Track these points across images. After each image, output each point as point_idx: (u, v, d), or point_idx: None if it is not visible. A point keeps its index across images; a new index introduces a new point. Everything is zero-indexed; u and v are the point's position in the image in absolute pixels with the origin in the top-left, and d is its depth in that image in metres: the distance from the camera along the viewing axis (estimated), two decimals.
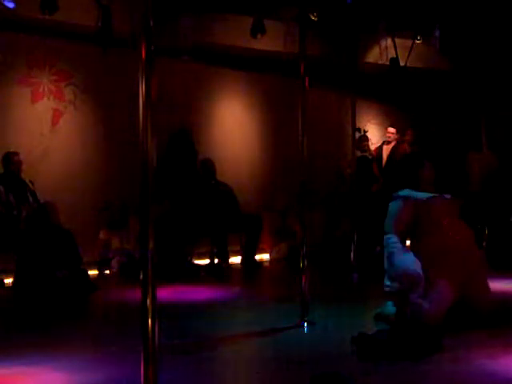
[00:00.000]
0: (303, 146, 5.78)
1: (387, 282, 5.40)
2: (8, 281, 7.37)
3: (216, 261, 9.39)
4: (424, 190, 5.62)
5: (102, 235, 8.89)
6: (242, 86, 11.07)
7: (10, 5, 7.35)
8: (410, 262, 5.29)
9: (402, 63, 9.79)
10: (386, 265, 5.43)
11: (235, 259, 9.67)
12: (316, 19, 8.85)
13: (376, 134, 11.90)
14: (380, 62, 10.21)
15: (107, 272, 8.73)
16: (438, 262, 5.33)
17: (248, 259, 9.51)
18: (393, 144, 10.48)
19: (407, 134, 10.61)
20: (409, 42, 10.04)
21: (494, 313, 5.48)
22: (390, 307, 5.63)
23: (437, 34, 9.64)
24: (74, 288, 7.05)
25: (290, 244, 9.88)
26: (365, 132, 10.58)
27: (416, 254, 5.38)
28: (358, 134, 10.20)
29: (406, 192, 5.59)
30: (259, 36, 9.23)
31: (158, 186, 3.53)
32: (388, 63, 9.99)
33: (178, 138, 9.70)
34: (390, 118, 12.18)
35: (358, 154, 9.77)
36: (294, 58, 6.06)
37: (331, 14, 9.21)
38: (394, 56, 9.84)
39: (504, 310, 5.89)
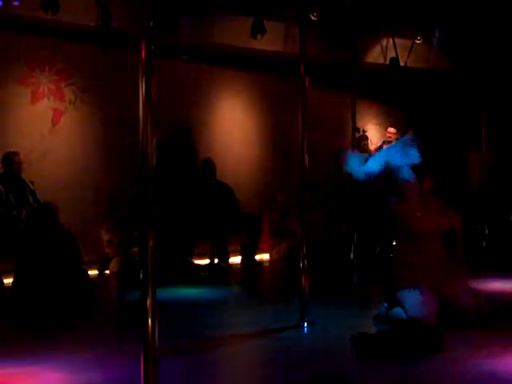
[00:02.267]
0: (303, 145, 5.78)
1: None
2: (8, 281, 7.37)
3: (216, 261, 9.39)
4: (424, 199, 5.72)
5: (104, 236, 8.89)
6: (242, 86, 11.07)
7: None
8: None
9: (402, 63, 9.80)
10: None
11: (235, 259, 9.67)
12: (316, 19, 8.85)
13: (376, 134, 11.90)
14: (380, 62, 10.22)
15: (107, 272, 8.73)
16: (415, 270, 5.44)
17: (248, 259, 9.50)
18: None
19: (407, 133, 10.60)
20: (409, 42, 10.04)
21: (484, 313, 5.49)
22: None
23: (437, 33, 9.64)
24: (74, 288, 7.05)
25: (289, 244, 9.87)
26: (364, 132, 10.58)
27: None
28: (357, 134, 10.21)
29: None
30: (259, 36, 9.22)
31: (157, 186, 3.53)
32: (388, 63, 9.99)
33: (179, 137, 9.69)
34: (389, 118, 12.18)
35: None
36: (293, 58, 6.06)
37: (331, 14, 9.21)
38: (394, 56, 9.84)
39: (504, 310, 5.90)
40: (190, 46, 9.34)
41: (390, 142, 10.54)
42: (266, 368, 4.64)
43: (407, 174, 5.72)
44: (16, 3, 7.68)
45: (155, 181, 3.49)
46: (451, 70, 11.33)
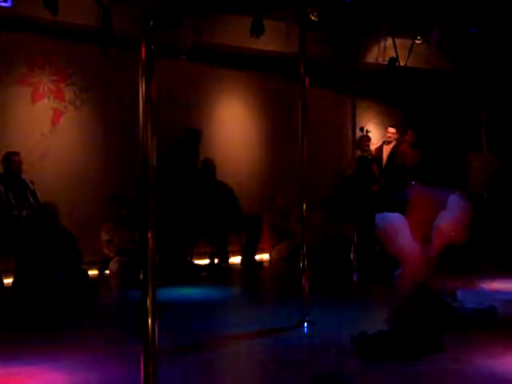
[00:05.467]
0: (303, 145, 5.78)
1: None
2: (8, 281, 7.37)
3: (216, 261, 9.39)
4: None
5: (103, 235, 8.89)
6: (242, 86, 11.07)
7: None
8: None
9: (402, 63, 9.79)
10: None
11: (235, 259, 9.67)
12: (316, 19, 8.84)
13: (376, 133, 11.89)
14: (380, 62, 10.21)
15: (107, 272, 8.74)
16: None
17: (248, 259, 9.51)
18: (393, 144, 10.48)
19: (407, 134, 10.61)
20: (409, 42, 10.03)
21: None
22: None
23: (437, 33, 9.63)
24: (74, 288, 7.04)
25: (290, 244, 9.87)
26: (367, 132, 10.57)
27: None
28: (360, 134, 10.21)
29: None
30: (258, 36, 9.20)
31: (159, 188, 3.52)
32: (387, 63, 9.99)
33: (188, 139, 9.65)
34: (390, 118, 12.18)
35: (358, 153, 9.77)
36: (293, 58, 6.06)
37: (331, 14, 9.20)
38: (394, 56, 9.83)
39: (504, 310, 5.91)
40: (189, 46, 9.34)
41: (389, 142, 10.55)
42: (266, 368, 4.65)
43: None
44: (5, 4, 7.66)
45: (159, 181, 3.49)
46: (451, 69, 11.32)
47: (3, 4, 7.64)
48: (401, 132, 10.63)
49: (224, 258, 9.41)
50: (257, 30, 9.12)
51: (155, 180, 3.48)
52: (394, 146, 10.46)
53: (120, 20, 8.02)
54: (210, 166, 9.63)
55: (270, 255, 10.25)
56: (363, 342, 4.70)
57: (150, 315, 3.44)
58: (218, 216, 9.32)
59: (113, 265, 8.73)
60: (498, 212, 10.05)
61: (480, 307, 5.81)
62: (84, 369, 4.49)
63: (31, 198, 7.99)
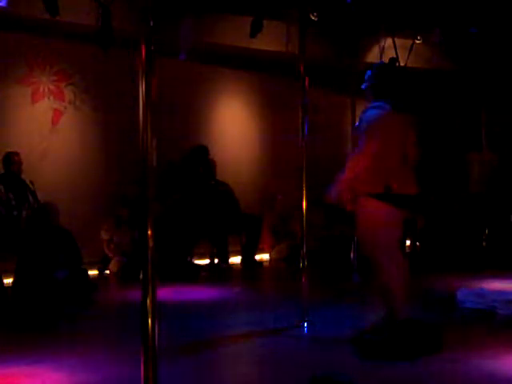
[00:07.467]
0: (303, 146, 5.78)
1: None
2: (8, 281, 7.37)
3: (216, 261, 9.39)
4: None
5: (103, 235, 8.90)
6: (242, 86, 11.07)
7: None
8: None
9: (402, 63, 9.80)
10: None
11: (235, 259, 9.67)
12: (316, 19, 8.85)
13: None
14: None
15: (107, 272, 8.74)
16: None
17: (248, 259, 9.51)
18: None
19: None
20: (409, 42, 10.04)
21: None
22: None
23: (437, 34, 9.64)
24: (74, 288, 7.04)
25: (290, 244, 9.87)
26: None
27: None
28: None
29: None
30: (258, 35, 9.21)
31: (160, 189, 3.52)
32: (387, 63, 9.99)
33: (194, 156, 9.65)
34: None
35: None
36: (294, 58, 6.06)
37: (331, 14, 9.20)
38: (394, 56, 9.84)
39: (504, 310, 5.90)
40: (189, 46, 9.35)
41: None
42: (265, 368, 4.65)
43: None
44: (2, 4, 7.67)
45: (161, 187, 3.49)
46: (451, 70, 11.32)
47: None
48: None
49: (224, 258, 9.41)
50: (255, 30, 9.13)
51: (156, 181, 3.48)
52: None
53: (120, 20, 8.03)
54: (210, 166, 9.63)
55: (270, 255, 10.25)
56: (363, 342, 4.70)
57: (149, 315, 3.44)
58: (218, 216, 9.32)
59: (113, 265, 8.73)
60: (498, 212, 10.05)
61: (480, 307, 5.82)
62: (84, 369, 4.49)
63: (31, 198, 7.99)
